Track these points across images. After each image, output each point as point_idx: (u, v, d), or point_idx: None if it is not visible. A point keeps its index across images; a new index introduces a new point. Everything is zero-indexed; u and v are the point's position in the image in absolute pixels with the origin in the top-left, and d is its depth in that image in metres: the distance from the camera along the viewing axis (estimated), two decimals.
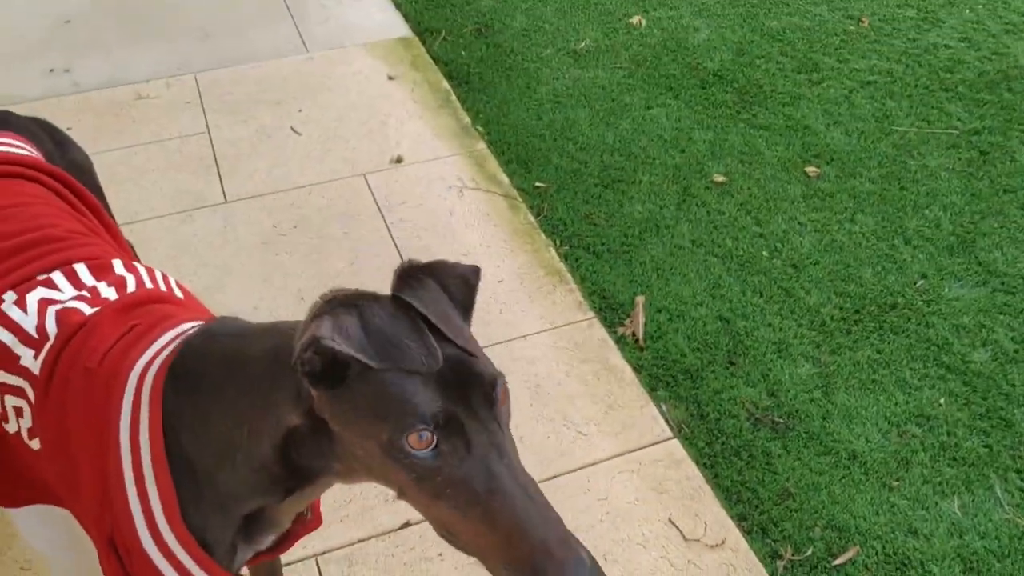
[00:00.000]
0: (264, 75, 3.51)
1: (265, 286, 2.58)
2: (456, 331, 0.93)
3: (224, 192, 2.92)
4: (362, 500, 2.04)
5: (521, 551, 0.86)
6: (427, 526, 1.97)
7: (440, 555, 1.94)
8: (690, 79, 3.54)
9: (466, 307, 0.98)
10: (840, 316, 2.56)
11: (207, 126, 3.23)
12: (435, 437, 0.87)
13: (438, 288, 0.95)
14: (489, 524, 0.87)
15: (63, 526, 1.30)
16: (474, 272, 1.00)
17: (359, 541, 1.97)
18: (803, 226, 2.86)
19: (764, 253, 2.76)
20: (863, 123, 3.31)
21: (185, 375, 1.08)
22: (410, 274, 0.94)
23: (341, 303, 0.87)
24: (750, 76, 3.55)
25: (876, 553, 1.99)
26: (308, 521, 1.30)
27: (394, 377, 0.87)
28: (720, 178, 3.04)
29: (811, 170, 3.09)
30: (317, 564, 1.92)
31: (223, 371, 1.06)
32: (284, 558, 1.89)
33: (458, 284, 0.98)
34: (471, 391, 0.91)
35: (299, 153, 3.10)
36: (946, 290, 2.64)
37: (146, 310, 1.22)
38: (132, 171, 3.01)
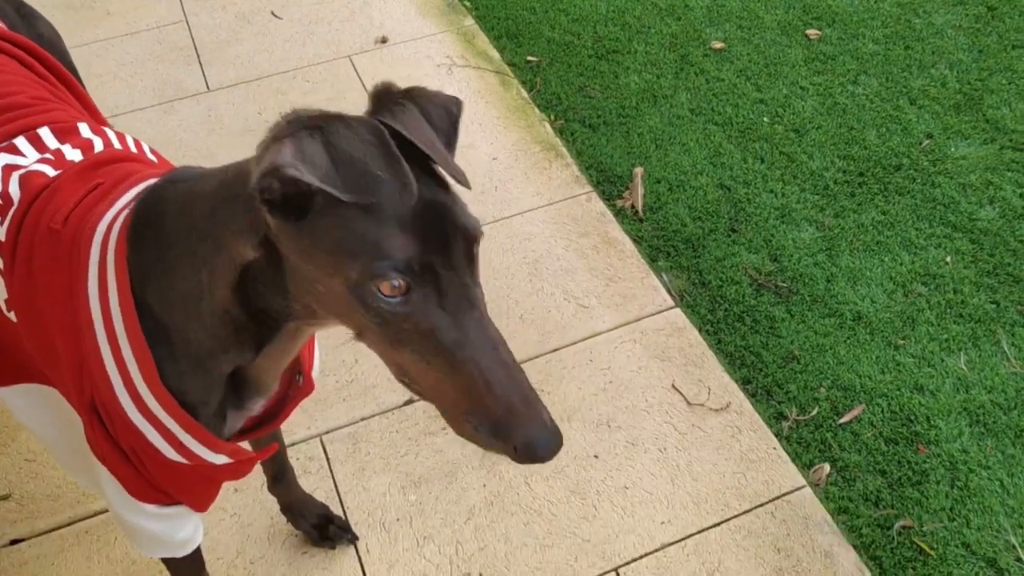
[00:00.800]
0: None
1: None
2: (443, 159, 0.86)
3: (206, 81, 2.83)
4: (364, 380, 2.03)
5: (484, 404, 0.84)
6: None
7: (443, 429, 1.94)
8: None
9: (449, 140, 0.91)
10: (844, 179, 2.49)
11: (184, 14, 3.11)
12: (407, 287, 0.82)
13: (420, 115, 0.88)
14: (453, 376, 0.84)
15: (51, 404, 1.27)
16: (456, 103, 0.93)
17: (362, 419, 1.96)
18: (805, 90, 2.77)
19: (765, 119, 2.68)
20: None
21: (145, 227, 1.02)
22: (389, 96, 0.87)
23: (305, 125, 0.77)
24: None
25: (882, 410, 1.99)
26: (300, 385, 1.27)
27: (366, 213, 0.80)
28: (718, 44, 2.93)
29: (812, 33, 2.98)
30: (322, 443, 1.92)
31: (179, 216, 0.99)
32: (289, 438, 1.89)
33: (440, 114, 0.90)
34: (451, 241, 0.84)
35: (281, 37, 2.99)
36: (952, 149, 2.57)
37: (111, 168, 1.16)
38: (110, 64, 2.91)
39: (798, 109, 2.70)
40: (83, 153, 1.18)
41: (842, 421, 1.97)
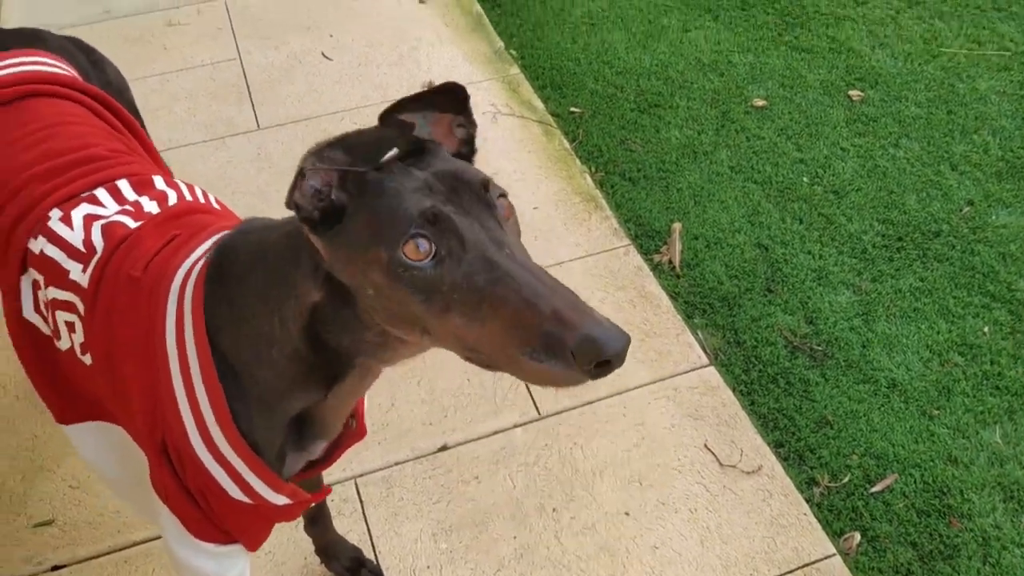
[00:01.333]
0: (294, 0, 3.45)
1: None
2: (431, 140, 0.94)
3: (257, 119, 2.90)
4: (399, 424, 2.06)
5: (533, 326, 0.81)
6: (464, 449, 2.00)
7: (476, 478, 1.96)
8: (730, 0, 3.42)
9: (464, 117, 0.98)
10: (882, 243, 2.50)
11: (238, 52, 3.20)
12: (432, 246, 0.86)
13: (430, 109, 0.95)
14: (499, 314, 0.83)
15: (116, 442, 1.32)
16: (459, 86, 0.98)
17: (396, 464, 1.99)
18: (845, 151, 2.79)
19: (805, 179, 2.70)
20: (910, 45, 3.20)
21: (220, 276, 1.09)
22: (396, 106, 0.93)
23: (326, 142, 0.87)
24: None
25: (914, 481, 1.98)
26: (353, 431, 1.31)
27: (382, 199, 0.88)
28: (760, 102, 2.96)
29: (855, 94, 3.00)
30: (356, 485, 1.95)
31: (250, 264, 1.06)
32: (324, 479, 1.92)
33: (448, 101, 0.96)
34: (461, 192, 0.90)
35: (331, 79, 3.07)
36: (993, 217, 2.57)
37: (187, 220, 1.22)
38: (165, 99, 3.00)
39: (838, 170, 2.72)
40: (159, 205, 1.24)
41: (874, 490, 1.97)
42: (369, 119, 2.99)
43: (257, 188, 2.65)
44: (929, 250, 2.48)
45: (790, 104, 2.96)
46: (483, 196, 0.91)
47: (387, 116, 0.94)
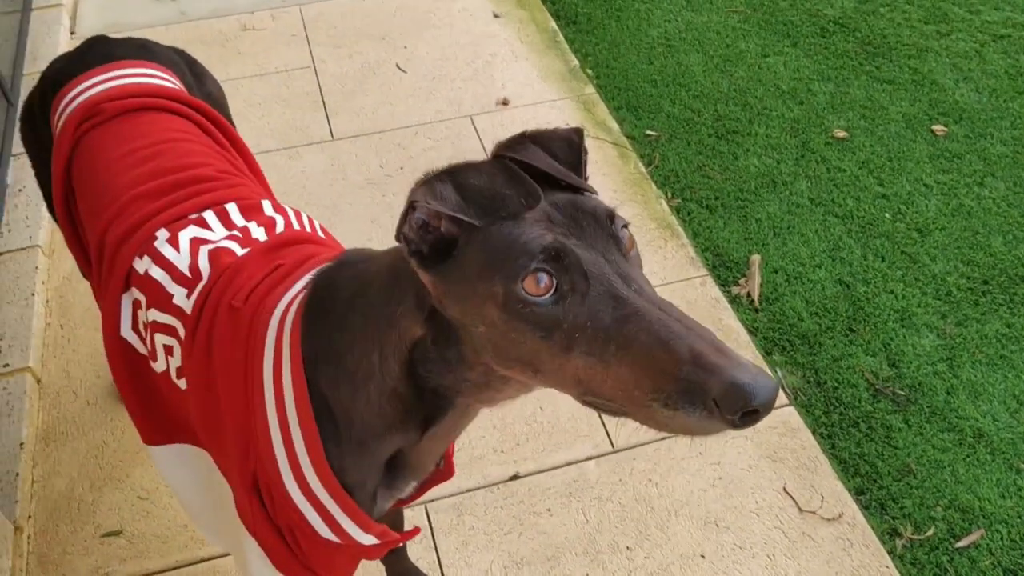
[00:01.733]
0: (369, 9, 3.45)
1: (373, 227, 2.55)
2: (565, 174, 0.88)
3: (331, 129, 2.89)
4: (470, 450, 2.03)
5: (668, 371, 0.74)
6: (536, 480, 1.96)
7: (548, 510, 1.92)
8: (809, 26, 3.36)
9: (574, 167, 0.92)
10: (967, 286, 2.43)
11: (312, 60, 3.19)
12: (553, 280, 0.80)
13: (543, 152, 0.90)
14: (628, 356, 0.77)
15: (200, 466, 1.30)
16: (577, 132, 0.94)
17: (468, 491, 1.96)
18: (929, 188, 2.72)
19: (887, 215, 2.63)
20: (995, 80, 3.12)
21: (319, 310, 1.06)
22: (511, 143, 0.90)
23: (436, 174, 0.83)
24: (874, 25, 3.37)
25: (1002, 537, 1.91)
26: (442, 470, 1.28)
27: (499, 229, 0.82)
28: (841, 133, 2.90)
29: (938, 128, 2.93)
30: (427, 511, 1.92)
31: (351, 298, 1.02)
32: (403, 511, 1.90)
33: (562, 146, 0.92)
34: (583, 224, 0.84)
35: (404, 91, 3.05)
36: None
37: (292, 250, 1.20)
38: (239, 104, 3.00)
39: (921, 208, 2.65)
40: (266, 232, 1.22)
41: (959, 545, 1.90)
42: (443, 134, 2.97)
43: (331, 201, 2.64)
44: (1016, 295, 2.40)
45: (871, 136, 2.89)
46: (607, 227, 0.85)
47: (503, 148, 0.91)
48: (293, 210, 1.31)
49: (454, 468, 1.32)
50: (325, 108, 2.98)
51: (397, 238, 0.87)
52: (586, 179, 0.99)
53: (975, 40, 3.30)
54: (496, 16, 3.40)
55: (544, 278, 0.80)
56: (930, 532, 1.93)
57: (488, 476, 1.99)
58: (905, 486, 2.00)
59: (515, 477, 1.98)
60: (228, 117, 1.67)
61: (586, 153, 0.98)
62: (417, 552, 1.85)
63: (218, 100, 1.63)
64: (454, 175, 0.83)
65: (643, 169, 2.77)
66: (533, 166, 0.88)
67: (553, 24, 3.38)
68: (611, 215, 0.86)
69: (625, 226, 0.88)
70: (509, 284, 0.80)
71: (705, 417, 0.74)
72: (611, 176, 2.72)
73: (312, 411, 1.05)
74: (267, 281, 1.14)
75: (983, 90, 3.08)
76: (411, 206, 0.85)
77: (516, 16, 3.41)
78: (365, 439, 1.07)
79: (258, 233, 1.22)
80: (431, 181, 0.83)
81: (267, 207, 1.27)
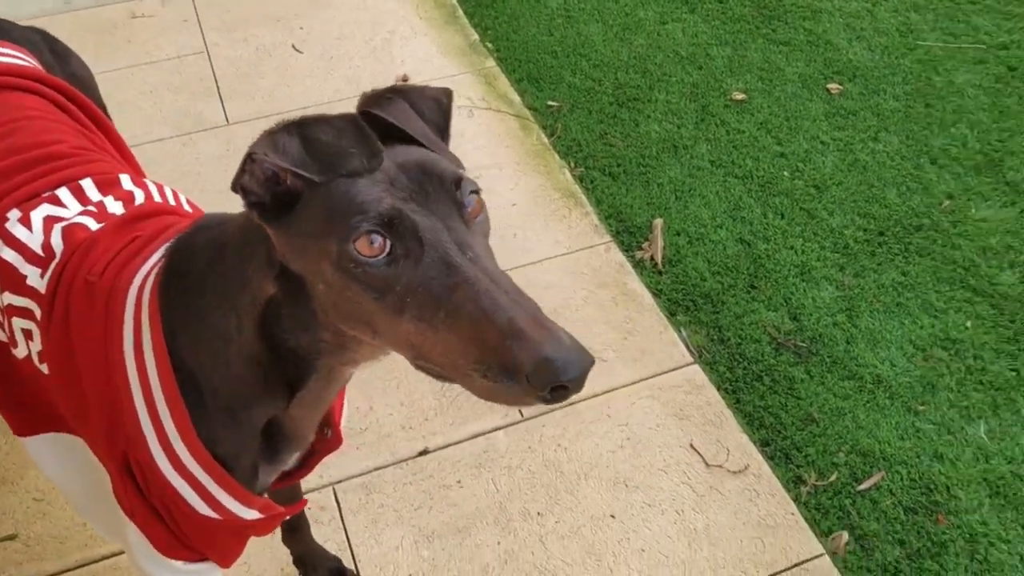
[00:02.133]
0: None
1: None
2: (421, 133, 0.86)
3: (226, 114, 2.82)
4: (378, 428, 2.00)
5: (488, 341, 0.75)
6: (445, 453, 1.95)
7: (459, 482, 1.91)
8: None
9: (441, 129, 0.91)
10: (864, 238, 2.48)
11: (205, 45, 3.11)
12: (387, 241, 0.80)
13: (410, 109, 0.89)
14: (455, 325, 0.77)
15: (76, 454, 1.25)
16: (446, 93, 0.93)
17: (376, 469, 1.94)
18: (825, 145, 2.77)
19: (785, 173, 2.67)
20: (886, 38, 3.19)
21: (176, 277, 1.03)
22: (377, 96, 0.88)
23: (284, 125, 0.81)
24: None
25: (901, 478, 1.96)
26: (329, 439, 1.25)
27: (339, 187, 0.81)
28: (739, 96, 2.93)
29: (833, 87, 2.98)
30: (335, 492, 1.89)
31: (206, 261, 1.00)
32: (302, 487, 1.86)
33: (431, 105, 0.91)
34: (428, 188, 0.83)
35: (301, 72, 2.99)
36: (973, 211, 2.56)
37: (150, 222, 1.16)
38: (129, 93, 2.91)
39: (818, 164, 2.70)
40: (124, 206, 1.18)
41: (861, 488, 1.95)
42: None
43: (226, 186, 2.55)
44: (911, 245, 2.47)
45: (769, 97, 2.93)
46: (452, 192, 0.84)
47: (368, 101, 0.89)
48: (155, 184, 1.27)
49: (342, 437, 1.30)
50: (219, 93, 2.90)
51: (233, 188, 0.85)
52: (447, 140, 0.98)
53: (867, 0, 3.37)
54: None
55: (378, 239, 0.79)
56: (833, 477, 1.97)
57: (397, 453, 1.97)
58: (808, 435, 2.04)
59: (424, 452, 1.97)
60: (97, 98, 1.61)
61: (449, 118, 0.97)
62: (325, 533, 1.82)
63: (84, 80, 1.57)
64: (303, 128, 0.81)
65: (545, 140, 2.76)
66: (396, 124, 0.87)
67: None
68: (457, 180, 0.85)
69: (475, 191, 0.87)
70: (342, 243, 0.80)
71: (520, 390, 0.75)
72: (514, 148, 2.71)
73: (177, 383, 1.02)
74: (124, 253, 1.10)
75: (875, 48, 3.14)
76: (249, 157, 0.82)
77: None
78: (233, 407, 1.04)
79: (115, 207, 1.17)
80: (277, 132, 0.81)
81: (126, 181, 1.22)
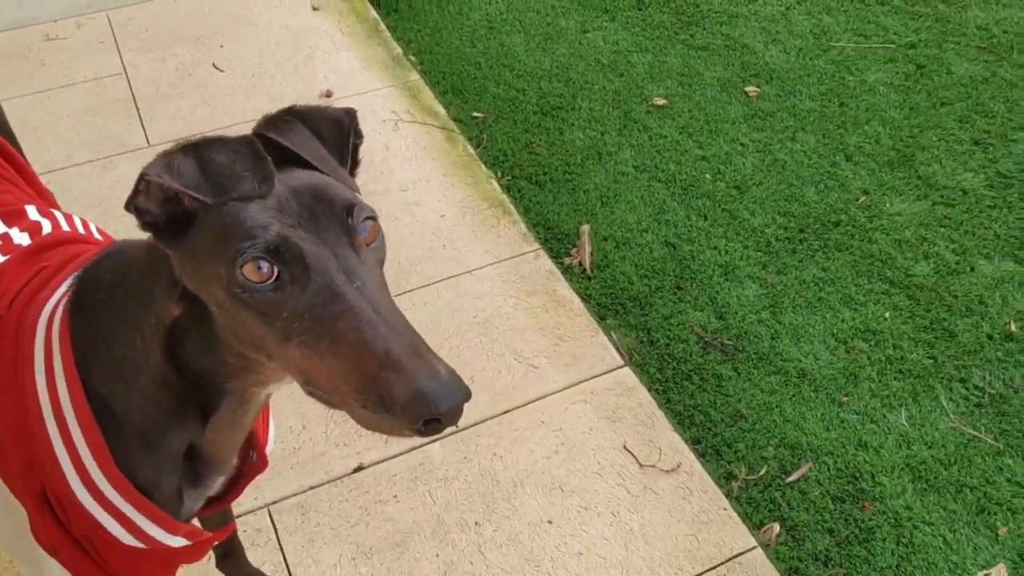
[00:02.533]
0: (183, 11, 3.33)
1: None
2: (319, 159, 0.86)
3: (147, 135, 2.78)
4: (312, 447, 1.99)
5: (367, 369, 0.76)
6: (381, 468, 1.94)
7: (395, 497, 1.91)
8: (626, 0, 3.45)
9: (341, 151, 0.91)
10: (785, 236, 2.55)
11: (123, 66, 3.06)
12: (274, 268, 0.80)
13: (309, 133, 0.88)
14: (337, 351, 0.78)
15: None
16: (348, 113, 0.93)
17: (311, 488, 1.92)
18: (745, 147, 2.84)
19: (707, 176, 2.73)
20: (801, 40, 3.28)
21: (84, 305, 1.02)
22: (274, 119, 0.88)
23: (181, 147, 0.80)
24: None
25: (828, 468, 2.02)
26: (254, 462, 1.24)
27: (230, 211, 0.81)
28: (660, 101, 2.99)
29: (751, 90, 3.06)
30: (270, 513, 1.87)
31: (113, 285, 0.99)
32: (236, 510, 1.84)
33: (331, 127, 0.91)
34: (318, 214, 0.83)
35: (223, 91, 2.96)
36: (888, 205, 2.65)
37: (57, 252, 1.14)
38: (45, 118, 2.84)
39: (739, 166, 2.76)
40: (31, 236, 1.16)
41: (790, 480, 2.00)
42: None
43: None
44: (830, 240, 2.54)
45: (689, 102, 3.00)
46: (343, 219, 0.84)
47: (266, 124, 0.89)
48: (64, 214, 1.25)
49: (267, 459, 1.29)
50: (139, 114, 2.86)
51: (127, 208, 0.84)
52: (357, 162, 0.98)
53: (781, 3, 3.46)
54: (315, 8, 3.34)
55: (264, 265, 0.80)
56: (763, 471, 2.01)
57: (331, 471, 1.96)
58: (738, 431, 2.09)
59: (359, 468, 1.96)
60: (3, 124, 1.57)
61: (360, 137, 0.96)
62: (262, 556, 1.80)
63: None
64: (200, 149, 0.81)
65: (472, 151, 2.78)
66: (293, 149, 0.87)
67: (374, 13, 3.34)
68: (350, 207, 0.85)
69: (370, 217, 0.87)
70: (231, 268, 0.80)
71: (395, 421, 0.75)
72: (440, 160, 2.72)
73: (91, 412, 1.01)
74: (32, 284, 1.08)
75: (790, 50, 3.23)
76: (142, 177, 0.82)
77: (336, 7, 3.36)
78: (149, 434, 1.03)
79: (21, 239, 1.15)
80: (173, 154, 0.81)
81: (32, 211, 1.20)
